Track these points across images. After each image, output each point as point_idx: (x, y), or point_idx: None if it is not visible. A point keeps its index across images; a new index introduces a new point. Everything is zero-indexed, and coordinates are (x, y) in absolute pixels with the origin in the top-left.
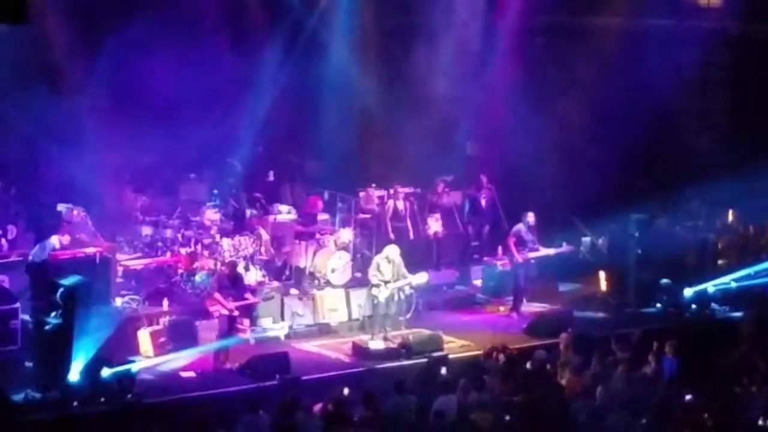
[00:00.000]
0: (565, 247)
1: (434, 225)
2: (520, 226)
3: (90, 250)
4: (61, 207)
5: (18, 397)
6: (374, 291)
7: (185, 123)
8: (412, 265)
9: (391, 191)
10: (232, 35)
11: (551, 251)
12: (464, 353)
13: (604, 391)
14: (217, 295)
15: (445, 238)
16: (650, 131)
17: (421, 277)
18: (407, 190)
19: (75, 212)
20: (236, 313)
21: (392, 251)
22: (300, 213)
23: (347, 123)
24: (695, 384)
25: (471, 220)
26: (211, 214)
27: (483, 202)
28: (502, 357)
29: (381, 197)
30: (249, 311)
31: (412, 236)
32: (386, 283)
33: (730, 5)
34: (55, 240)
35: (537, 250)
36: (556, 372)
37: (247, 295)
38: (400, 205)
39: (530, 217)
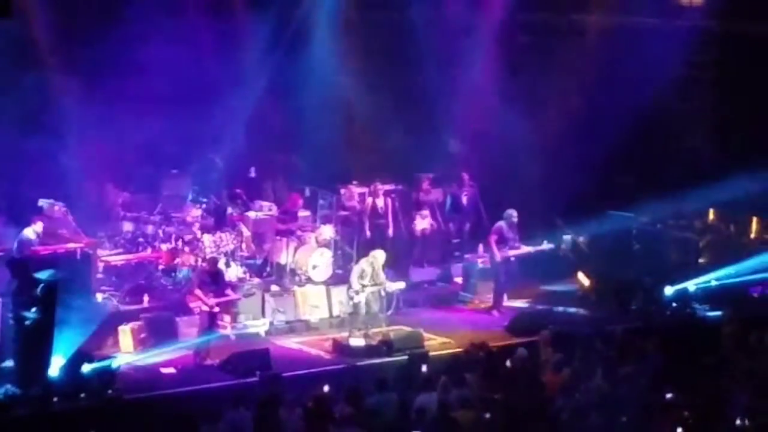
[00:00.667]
0: (545, 246)
1: (421, 222)
2: (501, 224)
3: (71, 245)
4: (42, 202)
5: None
6: (352, 293)
7: (168, 118)
8: (393, 264)
9: (372, 188)
10: (215, 30)
11: (532, 249)
12: (445, 350)
13: (585, 389)
14: (197, 292)
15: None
16: (634, 130)
17: (398, 285)
18: (387, 187)
19: (56, 207)
20: (217, 309)
21: (378, 256)
22: (280, 210)
23: (330, 119)
24: (676, 382)
25: (452, 217)
26: (193, 211)
27: (464, 200)
28: (482, 354)
29: (362, 194)
30: (230, 307)
31: (391, 234)
32: (364, 287)
33: (712, 4)
34: (29, 232)
35: (518, 248)
36: (536, 369)
37: (228, 291)
38: (380, 202)
39: (512, 215)
